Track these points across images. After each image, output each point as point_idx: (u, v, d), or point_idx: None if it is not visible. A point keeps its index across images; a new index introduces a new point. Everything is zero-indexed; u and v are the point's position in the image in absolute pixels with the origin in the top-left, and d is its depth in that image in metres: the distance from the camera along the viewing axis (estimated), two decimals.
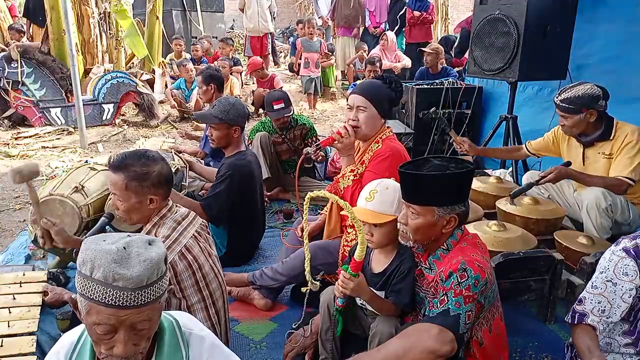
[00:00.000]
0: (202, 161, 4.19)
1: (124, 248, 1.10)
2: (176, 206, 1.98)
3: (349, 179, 2.31)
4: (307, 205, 1.72)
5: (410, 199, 1.70)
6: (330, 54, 8.67)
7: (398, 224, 1.74)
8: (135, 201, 1.85)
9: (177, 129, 4.19)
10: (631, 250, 1.61)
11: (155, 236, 1.82)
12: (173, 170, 3.13)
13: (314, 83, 7.99)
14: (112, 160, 1.91)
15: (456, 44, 8.53)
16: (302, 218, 1.78)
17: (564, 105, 2.78)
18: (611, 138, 2.78)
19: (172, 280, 1.82)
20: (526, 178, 3.16)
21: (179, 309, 1.82)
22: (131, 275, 1.07)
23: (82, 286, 1.09)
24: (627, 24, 3.54)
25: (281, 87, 7.29)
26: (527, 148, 3.32)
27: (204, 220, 2.06)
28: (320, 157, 3.78)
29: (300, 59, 8.37)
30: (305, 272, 1.81)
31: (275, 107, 3.91)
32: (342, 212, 2.04)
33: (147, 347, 1.16)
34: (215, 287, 1.97)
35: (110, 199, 3.06)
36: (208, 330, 1.35)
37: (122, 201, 1.86)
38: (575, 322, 1.67)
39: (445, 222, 1.69)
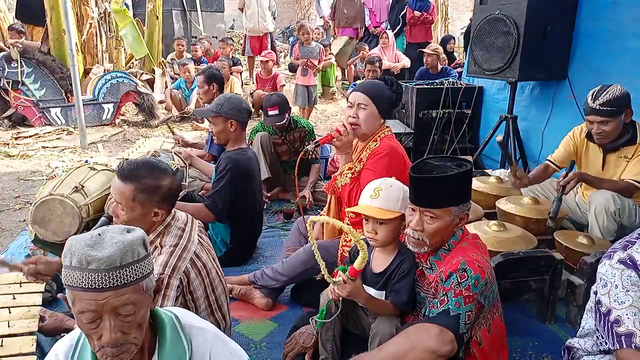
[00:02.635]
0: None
1: (99, 234, 1.12)
2: (176, 212, 1.92)
3: (346, 176, 2.31)
4: (310, 227, 1.72)
5: (429, 203, 1.67)
6: (329, 50, 8.57)
7: (412, 231, 1.71)
8: (139, 213, 1.77)
9: (173, 133, 4.15)
10: (627, 261, 1.60)
11: (161, 245, 1.79)
12: (173, 170, 3.15)
13: (307, 94, 6.86)
14: (122, 168, 1.79)
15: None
16: (310, 239, 1.75)
17: (606, 109, 2.59)
18: (637, 142, 2.70)
19: (185, 290, 1.78)
20: None
21: None
22: (102, 256, 1.07)
23: (64, 276, 1.10)
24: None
25: (283, 86, 7.30)
26: (554, 165, 3.06)
27: (201, 223, 2.04)
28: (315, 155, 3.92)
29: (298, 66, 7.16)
30: (323, 272, 1.76)
31: (270, 113, 3.90)
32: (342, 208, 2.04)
33: (139, 337, 1.15)
34: (220, 292, 1.96)
35: (110, 199, 3.06)
36: (208, 322, 1.36)
37: (125, 211, 1.77)
38: (624, 347, 1.51)
39: (459, 220, 1.70)
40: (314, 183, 4.02)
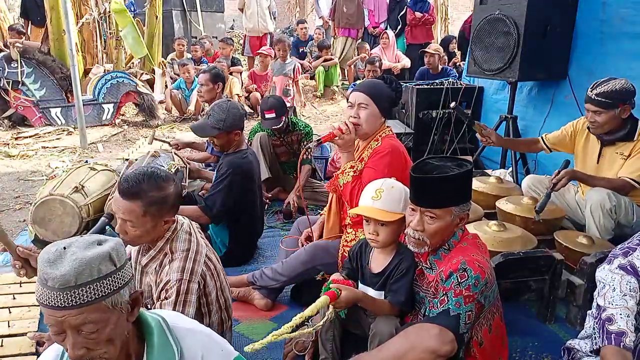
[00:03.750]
0: (212, 165, 4.19)
1: (64, 248, 1.08)
2: (178, 217, 1.90)
3: (348, 174, 2.31)
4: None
5: (430, 203, 1.67)
6: (329, 50, 8.50)
7: (413, 231, 1.72)
8: (150, 226, 1.73)
9: (170, 144, 4.07)
10: (628, 267, 1.59)
11: (172, 251, 1.77)
12: (173, 170, 3.14)
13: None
14: (124, 187, 1.72)
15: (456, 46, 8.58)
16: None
17: (600, 99, 2.65)
18: (634, 139, 2.71)
19: (201, 293, 1.78)
20: (526, 183, 3.15)
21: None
22: (56, 274, 1.03)
23: (36, 288, 1.08)
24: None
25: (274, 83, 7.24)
26: (544, 142, 3.18)
27: (198, 224, 2.03)
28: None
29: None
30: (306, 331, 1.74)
31: (267, 116, 3.87)
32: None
33: (112, 352, 1.11)
34: (227, 293, 1.97)
35: (110, 198, 3.06)
36: (197, 322, 1.34)
37: (136, 227, 1.72)
38: (612, 344, 1.52)
39: (459, 220, 1.70)
40: (302, 187, 3.96)
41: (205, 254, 1.84)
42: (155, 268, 1.79)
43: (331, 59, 8.45)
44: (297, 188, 3.88)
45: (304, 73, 9.11)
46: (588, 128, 2.90)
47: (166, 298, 1.68)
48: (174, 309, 1.64)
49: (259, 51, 7.51)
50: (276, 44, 6.14)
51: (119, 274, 1.11)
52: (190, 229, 1.88)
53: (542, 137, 3.20)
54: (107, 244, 1.12)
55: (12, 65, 6.39)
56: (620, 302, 1.55)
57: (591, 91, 2.70)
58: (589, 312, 1.81)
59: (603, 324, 1.55)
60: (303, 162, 3.98)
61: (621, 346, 1.49)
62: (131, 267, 1.20)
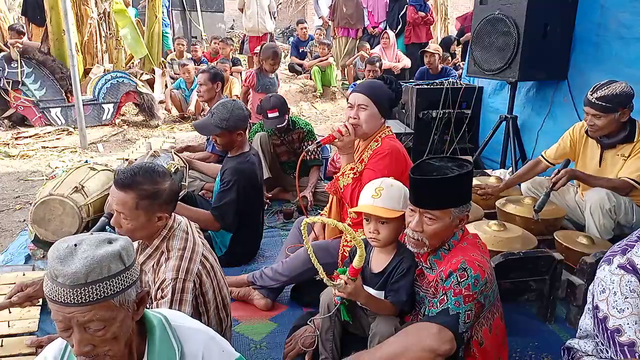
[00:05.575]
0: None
1: (75, 245, 1.09)
2: (176, 216, 1.91)
3: (348, 176, 2.31)
4: (304, 230, 1.76)
5: (429, 205, 1.67)
6: (329, 49, 8.52)
7: (412, 232, 1.72)
8: (144, 220, 1.74)
9: (172, 151, 4.04)
10: (627, 266, 1.58)
11: (168, 249, 1.78)
12: (173, 170, 3.14)
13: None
14: (119, 177, 1.75)
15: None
16: (304, 238, 1.78)
17: (600, 103, 2.64)
18: (634, 140, 2.71)
19: (198, 292, 1.78)
20: (526, 184, 3.15)
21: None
22: (67, 271, 1.05)
23: (44, 282, 1.10)
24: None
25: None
26: (546, 160, 3.09)
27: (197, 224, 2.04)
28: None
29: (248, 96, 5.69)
30: (321, 275, 1.78)
31: (270, 115, 3.85)
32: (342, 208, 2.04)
33: (116, 349, 1.13)
34: (225, 292, 1.97)
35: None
36: (199, 322, 1.35)
37: (129, 220, 1.74)
38: (627, 357, 1.49)
39: (459, 221, 1.70)
40: (315, 184, 4.00)
41: (202, 252, 1.84)
42: (153, 266, 1.79)
43: (325, 58, 8.40)
44: (311, 185, 3.95)
45: (304, 73, 9.11)
46: (586, 132, 2.89)
47: (162, 297, 1.69)
48: (170, 308, 1.65)
49: (256, 51, 7.50)
50: (272, 57, 5.41)
51: (127, 273, 1.13)
52: (187, 227, 1.89)
53: (542, 156, 3.12)
54: (118, 242, 1.14)
55: (12, 65, 6.39)
56: (625, 307, 1.53)
57: (591, 95, 2.68)
58: (585, 307, 1.81)
59: (612, 335, 1.53)
60: (312, 163, 4.00)
61: (636, 357, 1.48)
62: (138, 266, 1.21)
